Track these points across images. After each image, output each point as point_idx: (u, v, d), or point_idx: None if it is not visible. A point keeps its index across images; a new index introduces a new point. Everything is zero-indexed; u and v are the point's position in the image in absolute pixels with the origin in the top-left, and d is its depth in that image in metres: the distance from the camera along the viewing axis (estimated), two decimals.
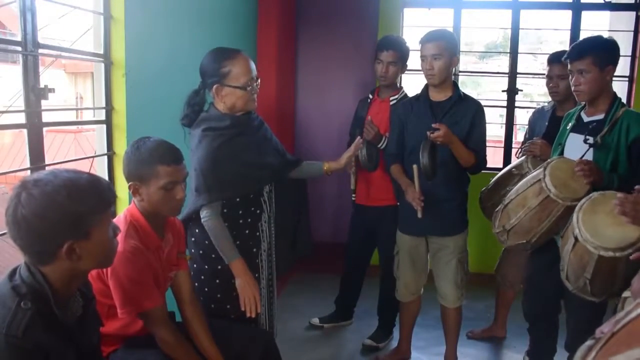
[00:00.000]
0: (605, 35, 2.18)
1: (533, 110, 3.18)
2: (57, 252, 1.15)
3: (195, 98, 1.99)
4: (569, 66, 2.11)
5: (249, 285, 1.93)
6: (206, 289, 2.03)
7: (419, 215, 2.35)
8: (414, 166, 2.36)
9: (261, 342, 1.91)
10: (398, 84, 3.01)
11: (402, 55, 2.89)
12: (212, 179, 1.91)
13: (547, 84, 2.83)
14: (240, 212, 2.02)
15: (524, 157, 2.66)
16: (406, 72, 2.85)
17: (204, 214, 1.93)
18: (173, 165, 1.62)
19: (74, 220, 1.15)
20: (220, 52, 1.96)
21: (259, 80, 2.00)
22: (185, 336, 1.72)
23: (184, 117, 1.99)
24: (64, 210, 1.13)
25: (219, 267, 1.99)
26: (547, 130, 2.77)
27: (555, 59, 2.76)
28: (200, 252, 2.02)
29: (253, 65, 1.97)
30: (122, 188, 1.80)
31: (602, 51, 2.05)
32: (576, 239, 1.80)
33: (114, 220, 1.47)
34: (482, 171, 2.54)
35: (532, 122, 3.02)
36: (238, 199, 2.00)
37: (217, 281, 2.02)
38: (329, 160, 2.28)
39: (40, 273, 1.16)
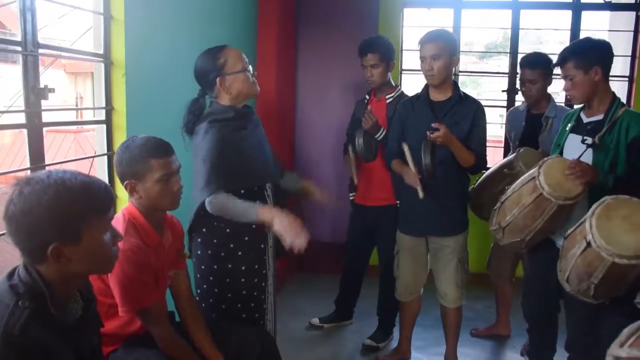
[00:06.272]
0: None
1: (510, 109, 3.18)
2: (45, 252, 1.13)
3: (196, 105, 2.01)
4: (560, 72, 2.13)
5: (288, 222, 1.79)
6: (216, 290, 2.01)
7: (420, 195, 2.33)
8: (404, 145, 2.34)
9: (260, 341, 1.90)
10: (392, 82, 2.96)
11: (383, 54, 2.82)
12: (219, 168, 1.89)
13: (520, 88, 2.85)
14: None
15: (513, 155, 2.64)
16: (406, 72, 2.84)
17: (208, 200, 1.88)
18: (165, 158, 1.62)
19: (61, 222, 1.12)
20: (210, 50, 2.01)
21: (251, 68, 2.04)
22: (184, 336, 1.71)
23: (186, 124, 1.99)
24: (50, 211, 1.10)
25: (229, 265, 1.98)
26: (525, 129, 2.80)
27: (525, 63, 2.79)
28: (209, 252, 2.00)
29: (243, 54, 2.02)
30: (121, 188, 1.80)
31: (583, 54, 2.06)
32: (589, 244, 1.77)
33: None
34: (483, 171, 2.54)
35: (511, 122, 3.04)
36: (243, 191, 1.98)
37: (227, 280, 2.00)
38: (313, 184, 2.27)
39: (37, 273, 1.15)
